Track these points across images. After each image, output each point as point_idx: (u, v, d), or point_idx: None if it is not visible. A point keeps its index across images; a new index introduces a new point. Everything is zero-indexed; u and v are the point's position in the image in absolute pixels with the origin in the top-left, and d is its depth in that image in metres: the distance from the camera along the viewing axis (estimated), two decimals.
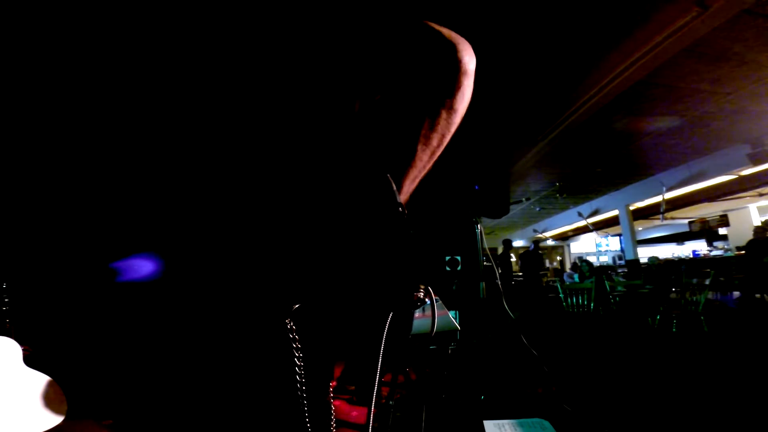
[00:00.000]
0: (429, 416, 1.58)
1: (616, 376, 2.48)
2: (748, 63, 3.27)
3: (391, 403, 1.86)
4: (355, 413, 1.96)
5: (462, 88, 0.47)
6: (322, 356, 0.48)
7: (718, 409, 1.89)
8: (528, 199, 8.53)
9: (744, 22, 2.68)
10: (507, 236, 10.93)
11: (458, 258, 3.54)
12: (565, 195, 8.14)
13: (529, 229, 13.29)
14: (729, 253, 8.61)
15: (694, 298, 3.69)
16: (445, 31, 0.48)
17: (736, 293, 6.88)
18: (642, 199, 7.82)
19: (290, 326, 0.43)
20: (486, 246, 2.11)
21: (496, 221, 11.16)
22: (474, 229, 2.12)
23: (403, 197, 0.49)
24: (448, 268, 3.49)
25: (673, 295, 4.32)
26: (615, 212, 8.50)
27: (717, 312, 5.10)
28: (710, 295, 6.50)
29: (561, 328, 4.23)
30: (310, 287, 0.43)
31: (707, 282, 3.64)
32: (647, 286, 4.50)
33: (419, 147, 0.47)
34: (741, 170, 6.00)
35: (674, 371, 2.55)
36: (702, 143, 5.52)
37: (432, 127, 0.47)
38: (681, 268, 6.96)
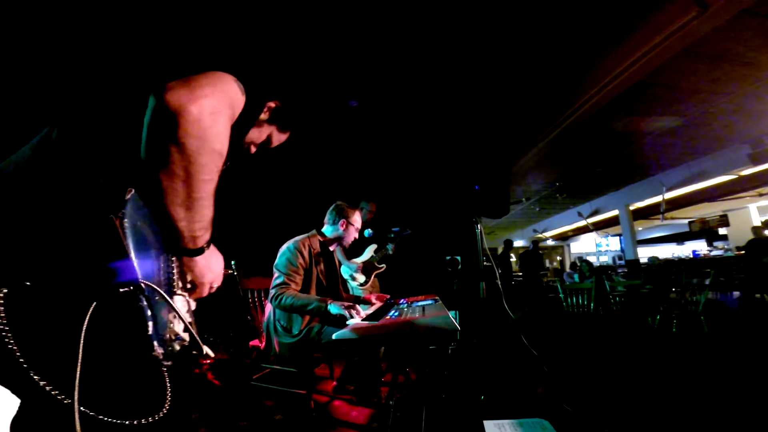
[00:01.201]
0: (429, 416, 1.58)
1: (616, 376, 2.48)
2: (748, 63, 3.27)
3: (391, 403, 1.86)
4: (355, 413, 1.96)
5: (183, 127, 0.55)
6: (46, 340, 0.51)
7: (718, 409, 1.89)
8: (528, 199, 8.53)
9: (744, 22, 2.68)
10: (507, 236, 10.94)
11: (458, 258, 3.55)
12: (565, 195, 8.15)
13: (529, 229, 13.29)
14: (729, 253, 8.61)
15: (694, 298, 3.69)
16: (170, 83, 0.56)
17: (736, 293, 6.88)
18: (642, 199, 7.83)
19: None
20: (486, 246, 2.11)
21: (496, 221, 11.16)
22: (474, 229, 2.12)
23: (183, 223, 0.61)
24: (448, 269, 3.49)
25: (673, 295, 4.32)
26: (615, 212, 8.50)
27: (717, 312, 5.10)
28: (710, 295, 6.49)
29: (561, 328, 4.23)
30: (16, 274, 0.50)
31: (707, 282, 3.64)
32: (647, 286, 4.50)
33: (163, 177, 0.57)
34: (741, 170, 6.00)
35: (674, 371, 2.55)
36: (702, 143, 5.52)
37: (166, 162, 0.56)
38: (681, 268, 6.96)
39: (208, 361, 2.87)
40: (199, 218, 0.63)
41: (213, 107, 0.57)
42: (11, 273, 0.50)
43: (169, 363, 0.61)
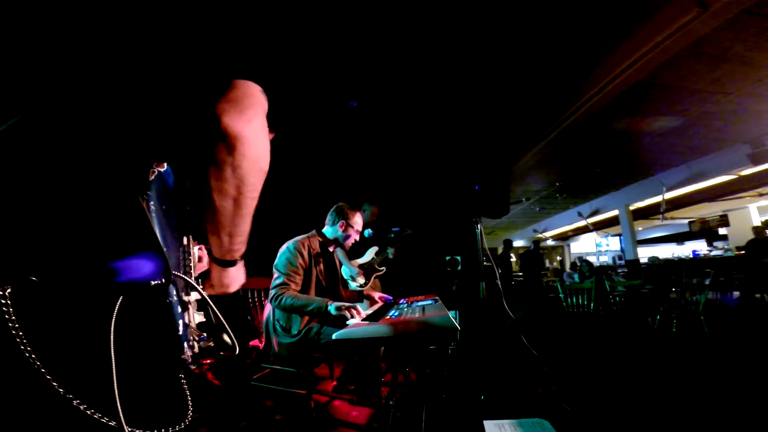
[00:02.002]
0: (429, 416, 1.58)
1: (616, 376, 2.48)
2: (748, 63, 3.27)
3: (391, 403, 1.86)
4: (355, 413, 1.96)
5: (237, 149, 0.56)
6: (62, 337, 0.46)
7: (718, 409, 1.89)
8: (528, 199, 8.53)
9: (744, 22, 2.68)
10: (507, 236, 10.94)
11: (458, 258, 3.54)
12: (565, 195, 8.14)
13: (529, 229, 13.29)
14: (729, 253, 8.61)
15: (694, 298, 3.69)
16: (221, 105, 0.56)
17: (736, 293, 6.88)
18: (642, 199, 7.82)
19: (6, 302, 0.43)
20: (486, 246, 2.11)
21: (496, 221, 11.16)
22: (474, 229, 2.12)
23: (226, 238, 0.63)
24: (448, 269, 3.49)
25: (673, 295, 4.32)
26: (615, 212, 8.50)
27: (717, 312, 5.10)
28: (710, 295, 6.50)
29: (561, 328, 4.23)
30: (32, 266, 0.44)
31: (707, 282, 3.64)
32: (647, 286, 4.50)
33: (216, 197, 0.59)
34: (741, 170, 6.00)
35: (674, 371, 2.55)
36: (702, 143, 5.52)
37: (221, 183, 0.58)
38: (681, 268, 6.96)
39: (208, 361, 2.87)
40: (240, 233, 0.66)
41: (260, 127, 0.59)
42: (13, 267, 0.44)
43: (194, 367, 0.56)
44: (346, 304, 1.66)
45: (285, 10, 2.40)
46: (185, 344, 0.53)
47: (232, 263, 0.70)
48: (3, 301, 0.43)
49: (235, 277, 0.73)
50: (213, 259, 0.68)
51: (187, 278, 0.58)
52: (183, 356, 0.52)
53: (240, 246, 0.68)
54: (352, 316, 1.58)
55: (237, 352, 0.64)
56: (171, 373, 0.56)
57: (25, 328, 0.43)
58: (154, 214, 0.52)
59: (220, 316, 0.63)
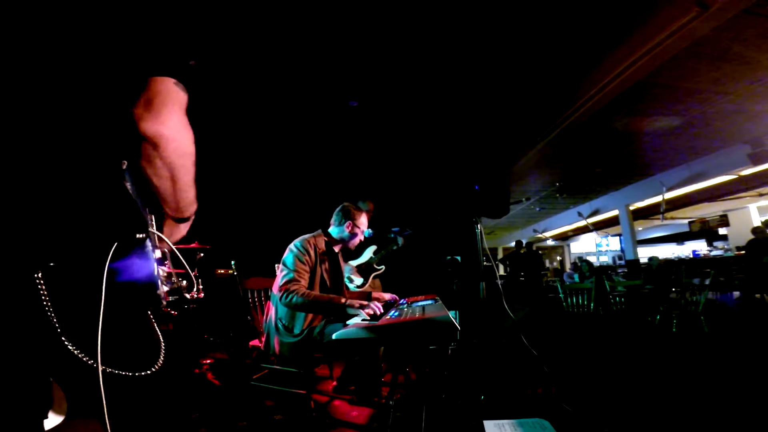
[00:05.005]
0: (429, 416, 1.58)
1: (616, 376, 2.48)
2: (748, 63, 3.27)
3: (391, 403, 1.86)
4: (355, 413, 1.96)
5: (160, 146, 0.65)
6: (90, 312, 0.57)
7: (718, 409, 1.89)
8: (528, 199, 8.53)
9: (744, 22, 2.68)
10: (507, 236, 10.94)
11: (458, 258, 3.54)
12: (565, 195, 8.14)
13: (529, 229, 13.29)
14: (729, 253, 8.61)
15: (694, 298, 3.69)
16: (137, 111, 0.64)
17: (736, 293, 6.88)
18: (642, 199, 7.83)
19: (40, 283, 0.53)
20: (486, 246, 2.11)
21: (496, 221, 11.16)
22: (474, 229, 2.12)
23: (172, 204, 0.75)
24: (448, 269, 3.49)
25: (673, 295, 4.32)
26: (615, 212, 8.50)
27: (717, 312, 5.10)
28: (710, 295, 6.50)
29: (561, 328, 4.23)
30: (63, 245, 0.56)
31: (707, 282, 3.64)
32: (647, 286, 4.50)
33: (153, 179, 0.69)
34: (741, 170, 6.01)
35: (674, 371, 2.55)
36: (702, 143, 5.53)
37: (154, 170, 0.68)
38: (681, 268, 6.96)
39: (208, 361, 2.87)
40: (184, 198, 0.76)
41: (176, 123, 0.67)
42: (36, 256, 0.54)
43: (165, 304, 0.72)
44: (364, 302, 1.64)
45: (286, 10, 2.40)
46: (158, 282, 0.69)
47: (185, 220, 0.82)
48: (39, 283, 0.53)
49: (182, 231, 0.86)
50: (169, 217, 0.79)
51: (158, 233, 0.74)
52: (158, 291, 0.68)
53: (188, 206, 0.79)
54: (374, 314, 1.56)
55: (195, 290, 0.81)
56: (150, 307, 0.70)
57: (54, 304, 0.55)
58: (132, 194, 0.68)
59: (183, 260, 0.78)
